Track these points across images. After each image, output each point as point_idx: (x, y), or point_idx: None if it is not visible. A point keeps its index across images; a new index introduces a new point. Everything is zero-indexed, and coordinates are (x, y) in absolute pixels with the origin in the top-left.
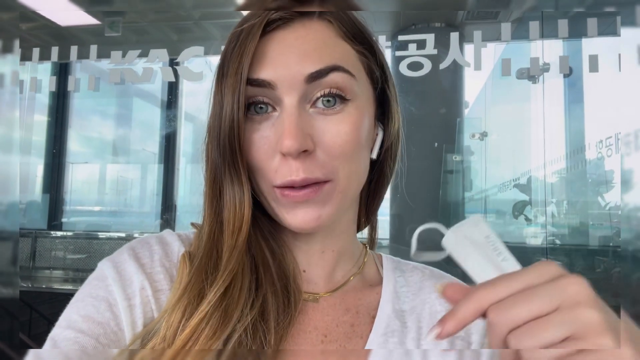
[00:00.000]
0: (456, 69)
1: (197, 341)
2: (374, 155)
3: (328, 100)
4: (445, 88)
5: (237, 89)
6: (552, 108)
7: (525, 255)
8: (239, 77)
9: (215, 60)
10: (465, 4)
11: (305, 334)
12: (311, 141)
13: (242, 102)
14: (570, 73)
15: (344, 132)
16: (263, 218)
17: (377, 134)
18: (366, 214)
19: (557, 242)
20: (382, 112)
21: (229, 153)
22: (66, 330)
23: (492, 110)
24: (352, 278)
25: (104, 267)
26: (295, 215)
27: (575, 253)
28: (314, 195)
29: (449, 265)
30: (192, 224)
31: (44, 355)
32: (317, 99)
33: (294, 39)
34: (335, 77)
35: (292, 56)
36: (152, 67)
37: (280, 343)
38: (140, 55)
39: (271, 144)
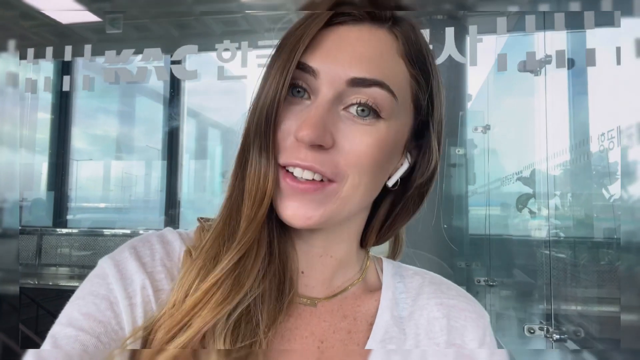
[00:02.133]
0: (457, 63)
1: (207, 304)
2: (390, 184)
3: (362, 110)
4: (447, 81)
5: (286, 67)
6: (555, 100)
7: (529, 248)
8: (292, 56)
9: (212, 56)
10: None
11: (302, 338)
12: (330, 139)
13: (288, 80)
14: (572, 65)
15: (366, 143)
16: None
17: (401, 164)
18: (377, 233)
19: (561, 234)
20: (417, 144)
21: (264, 123)
22: (67, 327)
23: (495, 103)
24: (350, 287)
25: (104, 264)
26: (287, 207)
27: (579, 245)
28: (312, 192)
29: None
30: (199, 219)
31: (45, 353)
32: (352, 104)
33: (355, 39)
34: (375, 92)
35: (345, 54)
36: (147, 66)
37: (274, 322)
38: (136, 53)
39: (291, 127)
